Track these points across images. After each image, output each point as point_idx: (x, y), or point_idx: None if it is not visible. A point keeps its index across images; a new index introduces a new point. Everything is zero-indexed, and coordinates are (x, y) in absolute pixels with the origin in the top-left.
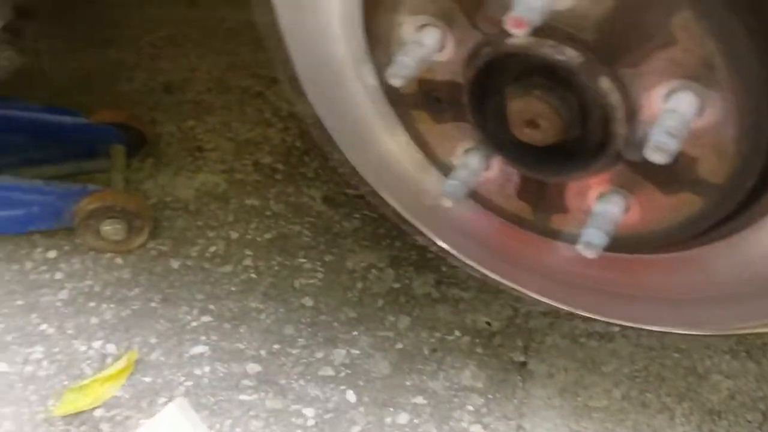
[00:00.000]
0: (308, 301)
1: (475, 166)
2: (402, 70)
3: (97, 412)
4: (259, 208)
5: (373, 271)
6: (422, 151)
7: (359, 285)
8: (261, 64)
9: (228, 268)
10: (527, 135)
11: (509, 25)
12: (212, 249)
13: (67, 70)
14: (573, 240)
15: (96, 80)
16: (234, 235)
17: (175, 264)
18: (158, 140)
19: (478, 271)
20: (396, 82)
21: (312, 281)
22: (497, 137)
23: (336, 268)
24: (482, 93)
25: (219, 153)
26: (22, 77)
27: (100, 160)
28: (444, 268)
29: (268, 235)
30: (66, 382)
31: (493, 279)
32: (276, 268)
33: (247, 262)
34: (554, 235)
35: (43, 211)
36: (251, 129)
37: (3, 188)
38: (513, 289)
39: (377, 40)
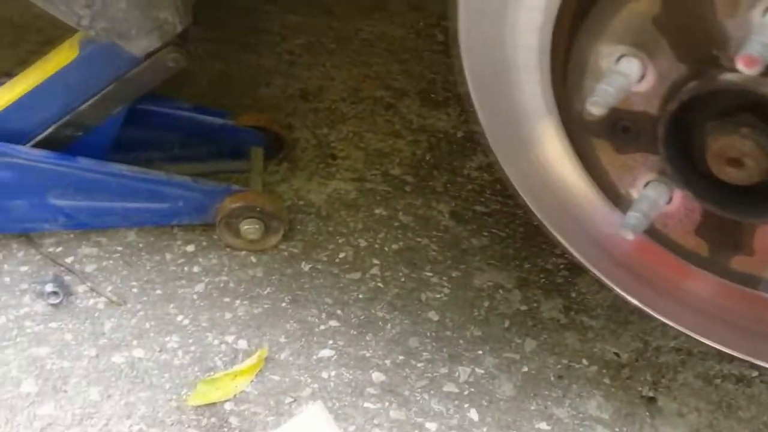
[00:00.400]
0: (434, 316)
1: (657, 199)
2: (604, 99)
3: (227, 406)
4: (387, 218)
5: (501, 291)
6: (596, 180)
7: (485, 304)
8: (393, 76)
9: (356, 276)
10: (728, 173)
11: (741, 63)
12: (341, 255)
13: (210, 72)
14: (754, 283)
15: (236, 83)
16: (363, 243)
17: (305, 267)
18: (294, 145)
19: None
20: (596, 110)
21: (438, 296)
22: (688, 172)
23: (463, 284)
24: (679, 127)
25: (350, 162)
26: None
27: (240, 161)
28: (573, 294)
29: (395, 246)
30: (198, 374)
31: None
32: (402, 279)
33: (375, 271)
34: (732, 276)
35: (187, 206)
36: (382, 140)
37: (154, 182)
38: (668, 323)
39: (571, 66)
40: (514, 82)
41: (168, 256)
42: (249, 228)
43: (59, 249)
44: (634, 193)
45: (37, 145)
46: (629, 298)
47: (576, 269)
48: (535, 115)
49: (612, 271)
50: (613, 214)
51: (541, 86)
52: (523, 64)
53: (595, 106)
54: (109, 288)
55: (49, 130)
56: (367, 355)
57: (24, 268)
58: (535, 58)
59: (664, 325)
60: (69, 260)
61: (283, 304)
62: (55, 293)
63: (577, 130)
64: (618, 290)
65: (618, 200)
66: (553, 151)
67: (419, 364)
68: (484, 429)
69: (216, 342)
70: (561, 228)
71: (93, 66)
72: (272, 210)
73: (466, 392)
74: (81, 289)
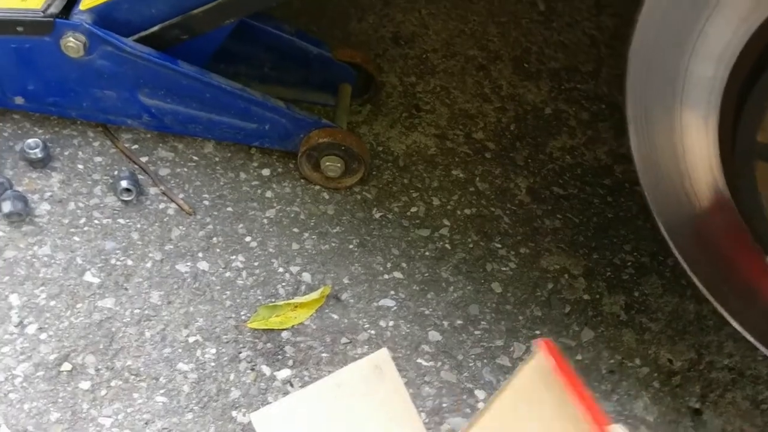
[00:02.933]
0: (497, 287)
1: None
2: None
3: (284, 335)
4: (463, 181)
5: (566, 276)
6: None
7: (549, 286)
8: (489, 37)
9: (425, 232)
10: None
11: None
12: (413, 209)
13: None
14: None
15: (328, 12)
16: (436, 201)
17: (376, 214)
18: (380, 89)
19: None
20: None
21: (504, 269)
22: None
23: (529, 262)
24: None
25: (434, 116)
26: None
27: (326, 94)
28: (636, 294)
29: (468, 211)
30: (260, 297)
31: None
32: (470, 245)
33: (444, 231)
34: None
35: (274, 130)
36: (468, 100)
37: (249, 101)
38: None
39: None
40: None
41: (243, 175)
42: (330, 165)
43: (135, 146)
44: None
45: (140, 41)
46: None
47: (643, 269)
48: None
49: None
50: None
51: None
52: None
53: None
54: (181, 195)
55: (156, 27)
56: (427, 312)
57: (98, 159)
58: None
59: (720, 340)
60: (144, 160)
61: (351, 246)
62: (128, 190)
63: (745, 154)
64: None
65: None
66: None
67: (476, 332)
68: None
69: (281, 270)
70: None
71: None
72: (358, 152)
73: (518, 367)
74: (153, 191)
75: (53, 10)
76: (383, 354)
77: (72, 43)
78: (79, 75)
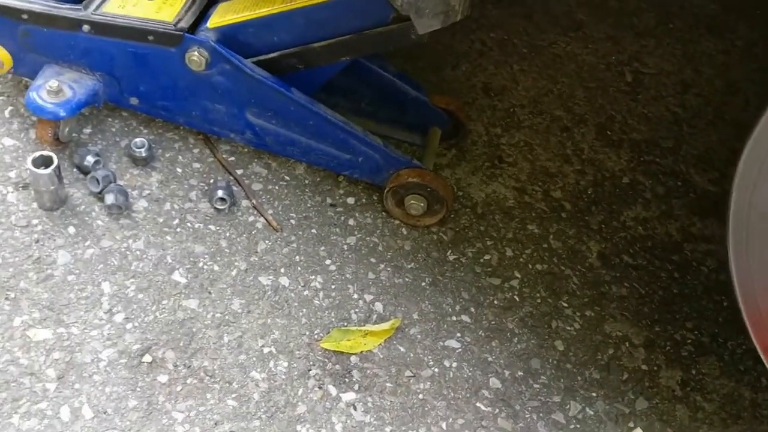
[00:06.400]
0: (560, 345)
1: None
2: None
3: (353, 359)
4: (537, 237)
5: (627, 344)
6: None
7: (610, 351)
8: (575, 100)
9: (496, 281)
10: None
11: None
12: (486, 257)
13: None
14: None
15: (425, 57)
16: (509, 252)
17: (450, 256)
18: (467, 136)
19: None
20: None
21: (568, 328)
22: None
23: (594, 325)
24: None
25: (516, 170)
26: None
27: (416, 135)
28: (693, 372)
29: (539, 267)
30: (333, 320)
31: None
32: (539, 300)
33: (514, 283)
34: None
35: (366, 163)
36: (550, 159)
37: (349, 134)
38: None
39: None
40: None
41: (329, 200)
42: (414, 203)
43: (231, 158)
44: None
45: (257, 63)
46: None
47: (702, 348)
48: None
49: None
50: None
51: None
52: None
53: None
54: (270, 211)
55: (275, 54)
56: (490, 359)
57: (196, 165)
58: None
59: None
60: (239, 172)
61: (423, 284)
62: (223, 200)
63: None
64: None
65: None
66: None
67: (536, 385)
68: None
69: (355, 296)
70: None
71: (345, 12)
72: (443, 195)
73: (572, 426)
74: (245, 203)
75: (183, 24)
76: None
77: (196, 57)
78: (195, 86)
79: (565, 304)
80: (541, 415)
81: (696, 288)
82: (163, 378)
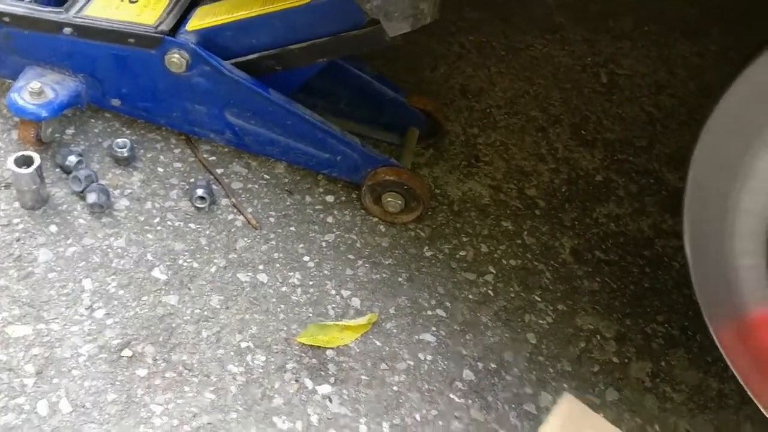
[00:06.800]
0: (532, 338)
1: None
2: None
3: (329, 353)
4: (512, 233)
5: (598, 337)
6: None
7: (582, 344)
8: (552, 101)
9: (471, 276)
10: None
11: None
12: (462, 253)
13: None
14: None
15: (403, 59)
16: (484, 248)
17: (427, 252)
18: (445, 136)
19: None
20: None
21: (541, 321)
22: None
23: (565, 319)
24: None
25: (491, 168)
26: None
27: (394, 134)
28: (663, 363)
29: (513, 262)
30: (311, 315)
31: None
32: (512, 295)
33: (488, 278)
34: None
35: (344, 162)
36: (525, 158)
37: (327, 133)
38: None
39: None
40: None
41: (308, 198)
42: (391, 200)
43: (212, 158)
44: None
45: (236, 65)
46: None
47: (672, 341)
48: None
49: None
50: None
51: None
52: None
53: None
54: (250, 210)
55: (254, 56)
56: (464, 352)
57: (177, 165)
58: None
59: (739, 420)
60: (219, 171)
61: (400, 279)
62: (203, 198)
63: None
64: None
65: None
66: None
67: (508, 377)
68: None
69: (333, 292)
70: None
71: (322, 15)
72: (419, 193)
73: (543, 416)
74: (224, 202)
75: (164, 27)
76: (569, 401)
77: (176, 59)
78: (175, 88)
79: (538, 299)
80: (513, 405)
81: (666, 283)
82: (142, 372)
